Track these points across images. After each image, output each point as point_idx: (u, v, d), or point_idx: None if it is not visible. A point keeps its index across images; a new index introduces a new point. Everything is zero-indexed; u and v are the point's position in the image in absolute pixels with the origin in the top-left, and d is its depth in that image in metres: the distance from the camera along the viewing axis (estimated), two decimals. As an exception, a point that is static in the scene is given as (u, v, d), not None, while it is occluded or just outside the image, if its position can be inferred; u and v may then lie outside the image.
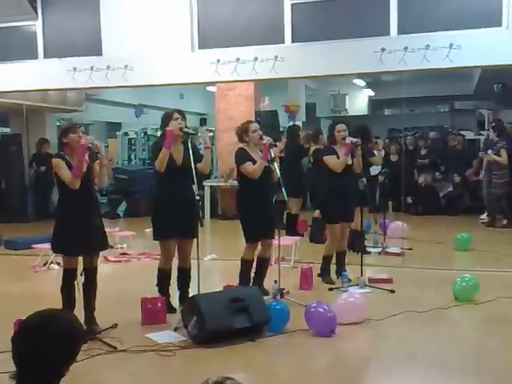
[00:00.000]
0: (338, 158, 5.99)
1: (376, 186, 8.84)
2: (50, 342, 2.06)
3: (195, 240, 4.96)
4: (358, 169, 6.10)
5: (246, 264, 5.60)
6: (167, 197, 5.10)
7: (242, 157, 5.44)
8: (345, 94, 16.05)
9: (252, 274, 5.65)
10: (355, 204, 6.18)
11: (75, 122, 5.06)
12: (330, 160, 6.06)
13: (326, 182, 6.19)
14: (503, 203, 10.01)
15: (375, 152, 7.53)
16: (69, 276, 4.64)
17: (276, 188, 5.46)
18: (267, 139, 5.35)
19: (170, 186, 5.08)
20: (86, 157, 4.58)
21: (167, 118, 5.12)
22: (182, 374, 4.03)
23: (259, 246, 5.69)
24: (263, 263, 5.66)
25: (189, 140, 5.03)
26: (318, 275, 6.30)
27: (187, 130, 5.10)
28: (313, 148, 9.14)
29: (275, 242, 5.52)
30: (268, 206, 5.51)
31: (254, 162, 5.38)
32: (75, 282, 4.66)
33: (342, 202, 6.02)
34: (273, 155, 5.36)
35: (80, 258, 4.70)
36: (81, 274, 4.69)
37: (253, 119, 9.78)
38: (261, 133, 5.45)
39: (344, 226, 6.26)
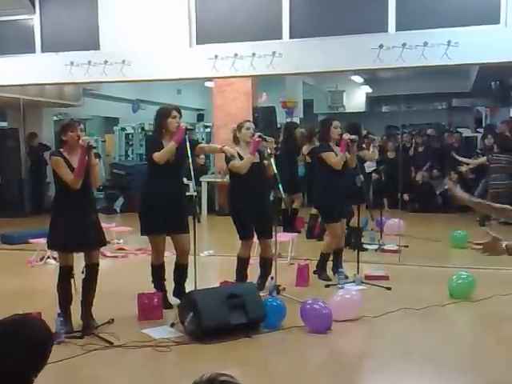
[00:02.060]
0: (336, 155, 6.01)
1: (370, 182, 8.84)
2: (19, 350, 2.00)
3: (191, 236, 4.97)
4: (352, 163, 6.11)
5: (241, 261, 5.61)
6: (154, 193, 5.13)
7: (229, 156, 5.47)
8: (342, 91, 16.03)
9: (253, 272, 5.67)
10: (352, 201, 6.18)
11: (74, 118, 5.01)
12: (330, 157, 6.03)
13: (326, 181, 6.13)
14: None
15: (370, 148, 7.50)
16: (65, 273, 4.63)
17: (272, 184, 5.46)
18: (257, 134, 5.37)
19: (159, 182, 5.10)
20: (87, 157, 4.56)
21: (164, 115, 5.14)
22: (178, 369, 4.03)
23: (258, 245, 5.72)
24: (266, 263, 5.65)
25: (186, 136, 5.04)
26: (314, 272, 6.30)
27: (190, 127, 5.19)
28: (306, 147, 9.12)
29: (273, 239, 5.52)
30: (261, 203, 5.51)
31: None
32: (71, 280, 4.66)
33: (341, 200, 6.05)
34: (269, 151, 5.38)
35: (80, 255, 4.70)
36: (82, 272, 4.68)
37: (251, 117, 9.80)
38: (253, 132, 5.47)
39: (342, 223, 6.28)
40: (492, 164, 9.82)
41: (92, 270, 4.71)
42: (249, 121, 5.86)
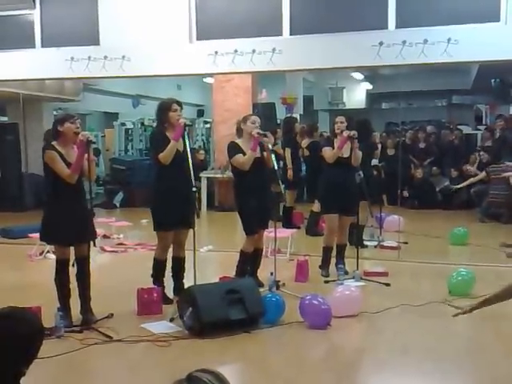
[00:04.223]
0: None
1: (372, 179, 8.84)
2: (6, 342, 2.01)
3: (190, 230, 4.99)
4: (355, 162, 6.11)
5: (244, 256, 5.61)
6: (169, 188, 5.12)
7: (232, 150, 5.48)
8: (342, 87, 16.01)
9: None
10: (357, 199, 6.14)
11: (72, 113, 5.00)
12: (325, 151, 6.14)
13: (325, 173, 6.26)
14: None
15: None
16: (62, 266, 4.65)
17: (273, 179, 5.48)
18: (256, 131, 5.38)
19: (173, 176, 5.09)
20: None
21: (165, 109, 5.14)
22: (177, 364, 4.03)
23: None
24: (256, 253, 5.68)
25: (186, 131, 5.06)
26: (320, 266, 6.31)
27: (189, 123, 5.18)
28: (305, 141, 9.11)
29: (270, 233, 5.53)
30: (264, 197, 5.53)
31: (245, 155, 5.43)
32: (69, 272, 4.67)
33: (339, 193, 6.03)
34: (270, 146, 5.39)
35: (71, 248, 4.70)
36: (73, 265, 4.69)
37: (251, 111, 9.79)
38: (257, 126, 5.47)
39: (344, 219, 6.23)
40: (492, 175, 10.06)
41: (83, 264, 4.68)
42: (255, 115, 5.85)
